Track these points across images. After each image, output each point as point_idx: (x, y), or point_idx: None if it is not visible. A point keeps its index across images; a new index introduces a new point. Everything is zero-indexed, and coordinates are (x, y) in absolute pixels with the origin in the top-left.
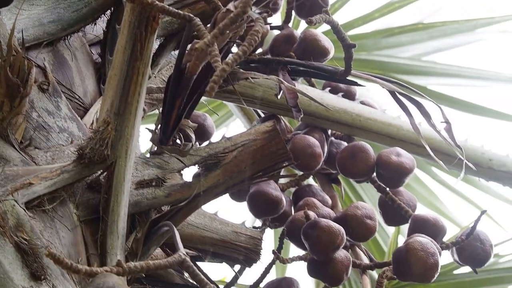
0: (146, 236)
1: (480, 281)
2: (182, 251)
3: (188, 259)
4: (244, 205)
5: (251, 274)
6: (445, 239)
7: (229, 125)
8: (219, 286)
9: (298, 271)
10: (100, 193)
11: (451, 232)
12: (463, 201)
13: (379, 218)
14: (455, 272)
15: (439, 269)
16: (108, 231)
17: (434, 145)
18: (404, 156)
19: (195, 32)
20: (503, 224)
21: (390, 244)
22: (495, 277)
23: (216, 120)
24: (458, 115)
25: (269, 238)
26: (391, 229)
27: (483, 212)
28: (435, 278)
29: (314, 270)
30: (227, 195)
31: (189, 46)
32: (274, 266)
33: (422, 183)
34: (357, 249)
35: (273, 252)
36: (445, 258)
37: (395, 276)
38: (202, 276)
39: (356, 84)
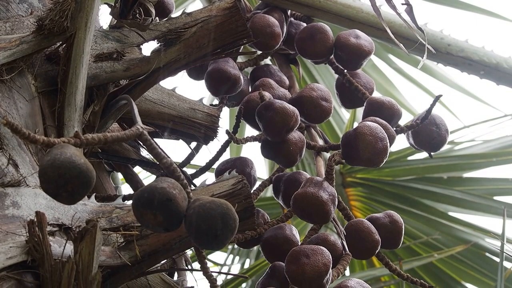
0: (104, 109)
1: (435, 168)
2: (140, 124)
3: (145, 132)
4: (202, 83)
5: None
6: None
7: (188, 7)
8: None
9: (253, 152)
10: (58, 65)
11: (406, 121)
12: (419, 90)
13: (335, 101)
14: (409, 158)
15: (387, 154)
16: (66, 103)
17: (394, 29)
18: (363, 39)
19: None
20: (458, 114)
21: (345, 129)
22: (449, 164)
23: (176, 1)
24: (418, 2)
25: (225, 120)
26: (346, 115)
27: (438, 96)
28: (383, 163)
29: (267, 151)
30: (185, 73)
31: None
32: (229, 148)
33: (379, 70)
34: (312, 131)
35: (227, 132)
36: (400, 143)
37: (343, 160)
38: (159, 150)
39: None
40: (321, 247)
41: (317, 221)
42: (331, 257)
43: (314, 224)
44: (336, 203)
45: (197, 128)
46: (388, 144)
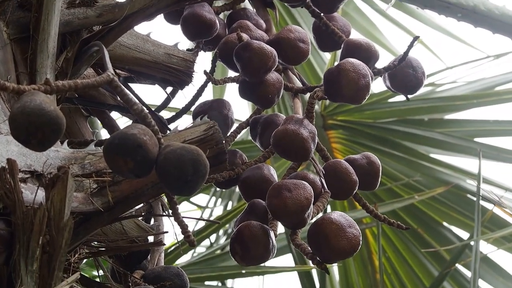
0: (77, 56)
1: (416, 109)
2: (111, 70)
3: (116, 78)
4: (178, 28)
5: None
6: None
7: None
8: (150, 107)
9: (236, 97)
10: (30, 11)
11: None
12: (401, 31)
13: (314, 44)
14: (390, 100)
15: (370, 90)
16: (38, 50)
17: None
18: None
19: None
20: (439, 55)
21: (326, 70)
22: (430, 106)
23: None
24: None
25: (206, 63)
26: (327, 56)
27: (416, 37)
28: (365, 99)
29: (245, 92)
30: (161, 17)
31: None
32: (212, 92)
33: (362, 12)
34: (290, 73)
35: (205, 72)
36: (381, 85)
37: (326, 97)
38: (131, 96)
39: None
40: (303, 181)
41: (297, 158)
42: (312, 192)
43: (293, 162)
44: (316, 141)
45: (173, 73)
46: (371, 81)
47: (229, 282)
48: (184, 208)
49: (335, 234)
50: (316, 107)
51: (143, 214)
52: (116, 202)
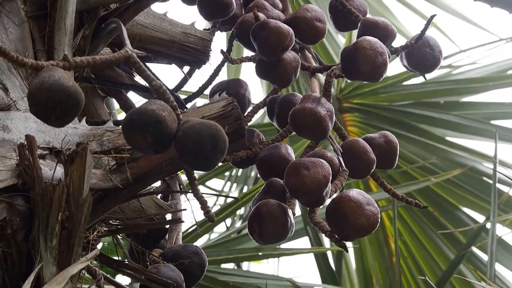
0: (94, 33)
1: (432, 92)
2: (129, 47)
3: (134, 54)
4: (194, 9)
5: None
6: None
7: None
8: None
9: (251, 77)
10: None
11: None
12: (415, 16)
13: (329, 25)
14: (406, 83)
15: (387, 68)
16: (55, 27)
17: None
18: None
19: None
20: (454, 39)
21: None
22: (446, 88)
23: None
24: None
25: (220, 44)
26: (342, 40)
27: (432, 16)
28: (382, 77)
29: (262, 71)
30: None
31: None
32: (226, 73)
33: None
34: (307, 52)
35: (222, 51)
36: (396, 68)
37: (343, 74)
38: (149, 72)
39: None
40: (321, 159)
41: (315, 136)
42: (330, 170)
43: (311, 140)
44: (334, 119)
45: (190, 52)
46: (388, 58)
47: (244, 265)
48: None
49: (354, 211)
50: (332, 90)
51: (161, 191)
52: (134, 179)
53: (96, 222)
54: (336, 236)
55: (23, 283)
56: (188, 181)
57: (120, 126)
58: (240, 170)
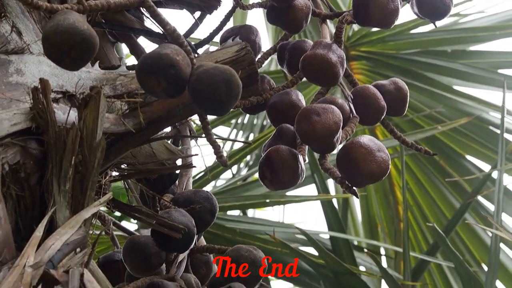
0: None
1: (439, 41)
2: None
3: None
4: None
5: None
6: None
7: None
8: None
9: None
10: None
11: None
12: None
13: None
14: (413, 31)
15: (398, 15)
16: None
17: None
18: None
19: None
20: None
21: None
22: (454, 37)
23: None
24: None
25: None
26: None
27: None
28: (394, 24)
29: (273, 17)
30: None
31: None
32: (232, 20)
33: None
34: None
35: None
36: (403, 16)
37: (355, 21)
38: (163, 16)
39: None
40: (332, 105)
41: (326, 82)
42: (341, 116)
43: (321, 87)
44: (345, 66)
45: None
46: (399, 5)
47: (249, 212)
48: (204, 141)
49: (365, 158)
50: None
51: (172, 135)
52: (147, 123)
53: (109, 166)
54: (347, 183)
55: (37, 227)
56: (199, 127)
57: (134, 71)
58: (246, 117)
